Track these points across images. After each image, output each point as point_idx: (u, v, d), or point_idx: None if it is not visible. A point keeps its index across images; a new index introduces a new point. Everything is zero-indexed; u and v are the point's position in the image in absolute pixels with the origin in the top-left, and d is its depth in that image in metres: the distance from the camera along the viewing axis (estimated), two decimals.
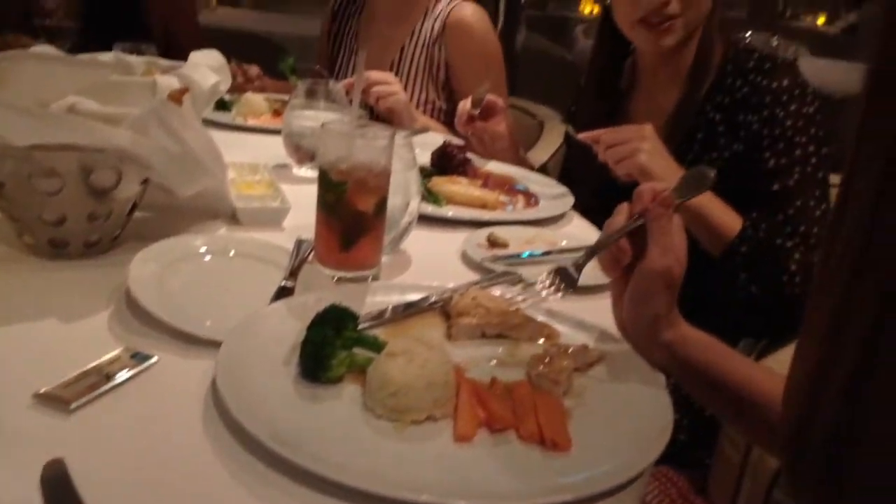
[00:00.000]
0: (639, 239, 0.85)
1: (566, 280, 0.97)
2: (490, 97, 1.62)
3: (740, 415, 0.86)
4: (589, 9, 7.33)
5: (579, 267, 0.96)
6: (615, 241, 0.87)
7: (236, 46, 2.53)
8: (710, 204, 1.33)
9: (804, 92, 1.44)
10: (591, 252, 0.93)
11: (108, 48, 1.61)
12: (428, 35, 2.00)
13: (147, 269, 1.03)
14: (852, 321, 0.48)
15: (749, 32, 4.09)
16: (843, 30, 7.89)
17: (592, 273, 1.13)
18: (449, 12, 1.98)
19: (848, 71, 4.80)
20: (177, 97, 1.13)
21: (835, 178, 1.57)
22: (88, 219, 1.11)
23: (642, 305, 0.84)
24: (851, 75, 4.51)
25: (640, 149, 1.30)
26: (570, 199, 1.48)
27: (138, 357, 0.85)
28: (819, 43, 6.25)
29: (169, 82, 1.21)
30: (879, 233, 0.46)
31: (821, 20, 8.01)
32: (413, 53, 2.01)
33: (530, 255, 1.20)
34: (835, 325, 0.49)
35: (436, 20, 1.99)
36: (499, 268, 1.13)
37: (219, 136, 1.32)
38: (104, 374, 0.81)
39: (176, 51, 1.87)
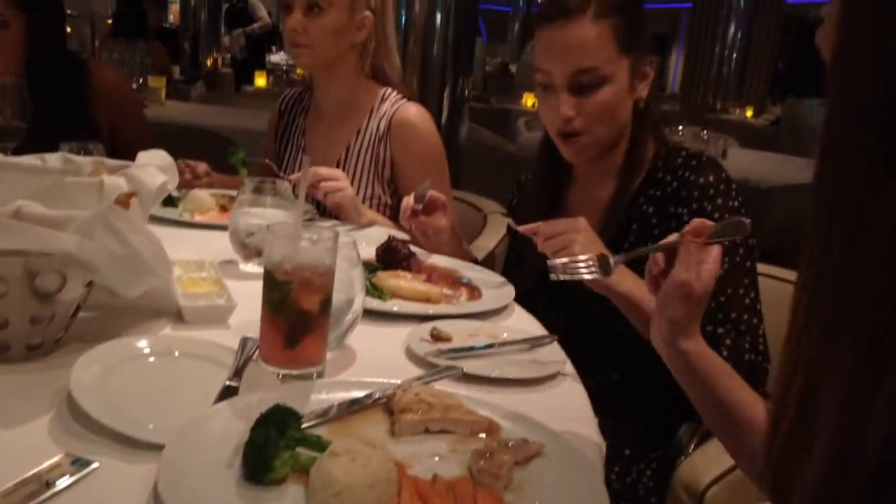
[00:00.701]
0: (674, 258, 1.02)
1: (604, 267, 1.14)
2: (432, 193, 1.68)
3: (729, 432, 1.02)
4: (531, 102, 7.61)
5: (618, 262, 1.15)
6: (654, 252, 1.05)
7: (186, 140, 2.56)
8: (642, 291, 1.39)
9: (729, 187, 1.54)
10: (633, 254, 1.17)
11: (55, 146, 1.63)
12: (374, 134, 2.07)
13: (89, 371, 1.03)
14: None
15: (681, 126, 4.31)
16: (770, 122, 8.34)
17: (532, 366, 1.17)
18: (394, 112, 2.06)
19: (774, 162, 5.05)
20: (124, 201, 1.16)
21: (762, 267, 1.66)
22: (31, 322, 1.11)
23: (662, 309, 1.01)
24: (777, 166, 4.75)
25: (575, 240, 1.37)
26: (512, 291, 1.53)
27: (79, 463, 0.84)
28: (747, 135, 6.59)
29: (116, 183, 1.24)
30: None
31: (749, 113, 8.45)
32: (359, 151, 2.08)
33: (472, 349, 1.23)
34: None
35: (381, 119, 2.07)
36: (442, 362, 1.16)
37: (165, 232, 1.33)
38: (44, 482, 0.80)
39: (123, 147, 1.90)
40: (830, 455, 0.53)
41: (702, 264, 1.00)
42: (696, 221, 1.03)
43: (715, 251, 1.01)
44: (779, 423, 0.59)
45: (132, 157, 1.41)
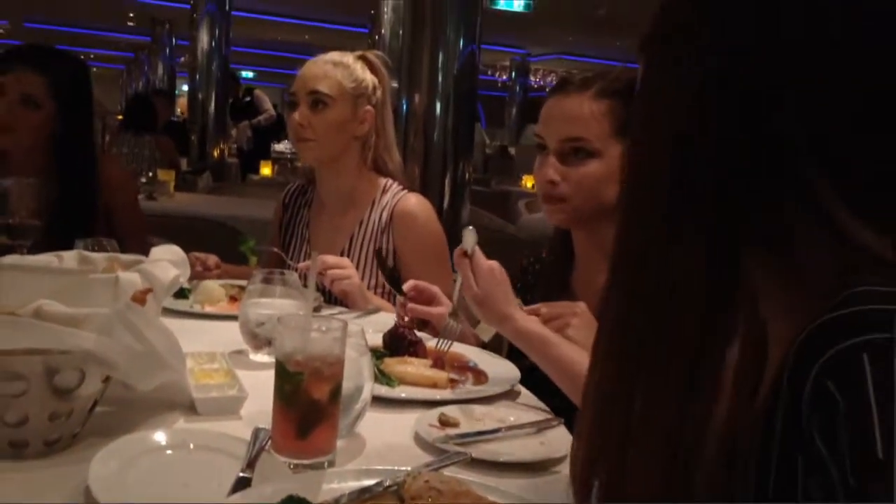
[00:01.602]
0: None
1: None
2: (419, 283, 1.74)
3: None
4: (530, 183, 7.76)
5: None
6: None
7: (194, 230, 2.62)
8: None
9: None
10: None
11: (69, 236, 1.69)
12: (376, 224, 2.14)
13: (108, 466, 1.05)
14: None
15: None
16: None
17: (540, 448, 1.18)
18: (395, 203, 2.13)
19: None
20: (140, 298, 1.20)
21: None
22: (50, 418, 1.14)
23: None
24: None
25: (570, 324, 1.41)
26: (517, 374, 1.56)
27: None
28: None
29: (132, 279, 1.28)
30: None
31: None
32: (362, 241, 2.14)
33: (480, 434, 1.25)
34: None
35: (383, 210, 2.14)
36: (451, 448, 1.18)
37: (176, 324, 1.37)
38: None
39: (119, 239, 1.95)
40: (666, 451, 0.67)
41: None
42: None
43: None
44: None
45: (127, 250, 1.47)
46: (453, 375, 1.51)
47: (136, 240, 2.20)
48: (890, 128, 0.62)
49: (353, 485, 1.05)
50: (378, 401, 1.33)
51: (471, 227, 1.47)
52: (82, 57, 2.12)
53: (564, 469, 1.19)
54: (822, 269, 0.65)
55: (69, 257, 1.37)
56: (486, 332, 1.80)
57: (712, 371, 0.68)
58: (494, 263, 1.46)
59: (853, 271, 0.61)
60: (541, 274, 1.89)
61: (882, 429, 0.54)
